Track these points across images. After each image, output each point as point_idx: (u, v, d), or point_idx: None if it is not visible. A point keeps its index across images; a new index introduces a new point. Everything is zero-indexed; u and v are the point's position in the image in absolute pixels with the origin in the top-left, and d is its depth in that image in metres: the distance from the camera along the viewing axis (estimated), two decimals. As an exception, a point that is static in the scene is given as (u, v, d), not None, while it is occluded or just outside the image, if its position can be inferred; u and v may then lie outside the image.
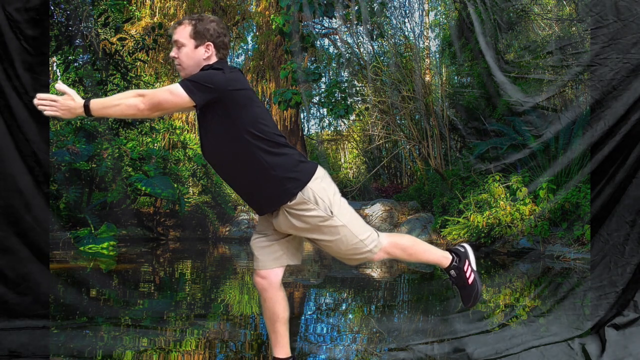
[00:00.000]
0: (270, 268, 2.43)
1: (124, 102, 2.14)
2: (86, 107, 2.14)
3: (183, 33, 2.32)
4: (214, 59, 2.35)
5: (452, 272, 2.53)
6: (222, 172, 2.37)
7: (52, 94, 2.20)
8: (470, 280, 2.52)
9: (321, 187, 2.30)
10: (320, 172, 2.34)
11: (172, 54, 2.35)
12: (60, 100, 2.14)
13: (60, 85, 2.19)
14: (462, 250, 2.57)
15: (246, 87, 2.27)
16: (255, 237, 2.48)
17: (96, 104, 2.15)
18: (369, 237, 2.37)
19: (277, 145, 2.26)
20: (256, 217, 7.90)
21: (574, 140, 7.16)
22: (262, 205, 2.37)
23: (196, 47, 2.32)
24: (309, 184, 2.28)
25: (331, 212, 2.28)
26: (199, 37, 2.31)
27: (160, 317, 3.84)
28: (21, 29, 3.11)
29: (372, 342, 3.29)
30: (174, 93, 2.15)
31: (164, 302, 4.42)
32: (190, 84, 2.16)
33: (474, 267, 2.55)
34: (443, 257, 2.53)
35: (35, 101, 2.16)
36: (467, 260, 2.54)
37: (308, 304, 4.52)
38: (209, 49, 2.33)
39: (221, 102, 2.19)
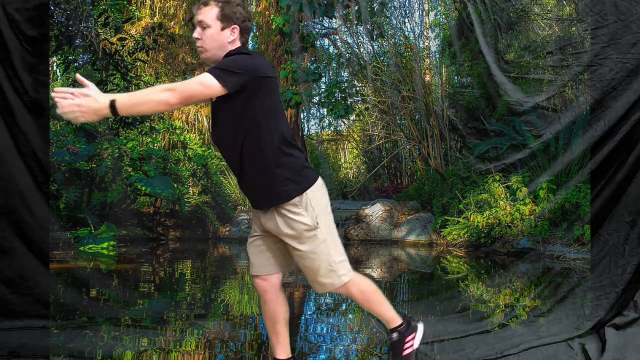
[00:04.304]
0: (266, 274, 2.43)
1: (154, 99, 2.03)
2: (112, 107, 1.99)
3: (209, 14, 2.25)
4: (237, 44, 2.31)
5: (395, 335, 2.50)
6: (229, 158, 2.33)
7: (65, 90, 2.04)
8: (404, 353, 2.49)
9: (316, 196, 2.29)
10: (320, 182, 2.34)
11: (195, 34, 2.27)
12: (83, 104, 1.96)
13: (79, 77, 2.06)
14: (415, 325, 2.54)
15: (273, 75, 2.24)
16: (251, 241, 2.47)
17: (124, 103, 2.00)
18: (342, 262, 2.34)
19: (287, 144, 2.25)
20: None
21: (574, 140, 7.16)
22: (258, 199, 2.35)
23: (222, 29, 2.26)
24: (308, 191, 2.27)
25: (317, 223, 2.26)
26: (226, 19, 2.26)
27: (160, 317, 3.84)
28: (21, 29, 3.11)
29: (372, 342, 3.29)
30: (205, 84, 2.08)
31: (164, 302, 4.42)
32: (221, 72, 2.10)
33: (415, 347, 2.51)
34: (394, 317, 2.50)
35: (53, 94, 1.99)
36: (413, 335, 2.52)
37: (308, 304, 4.52)
38: (234, 32, 2.28)
39: (247, 87, 2.14)
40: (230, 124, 2.22)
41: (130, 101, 2.01)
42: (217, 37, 2.26)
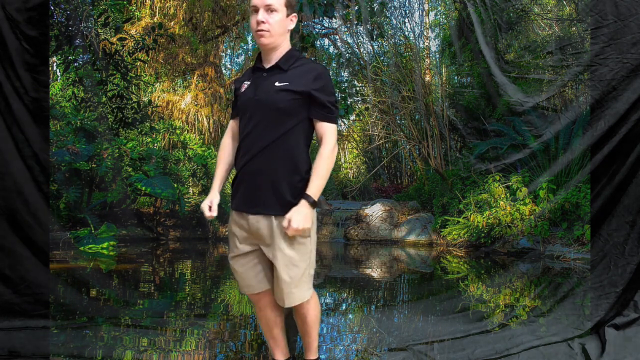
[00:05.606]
0: (257, 292, 2.39)
1: (331, 164, 2.23)
2: (313, 204, 2.19)
3: None
4: (288, 34, 2.31)
5: None
6: (251, 145, 2.26)
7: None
8: None
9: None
10: None
11: (260, 17, 2.17)
12: (294, 224, 2.14)
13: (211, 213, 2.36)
14: None
15: None
16: (237, 260, 2.39)
17: (317, 192, 2.20)
18: (312, 277, 2.35)
19: (309, 161, 2.30)
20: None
21: (574, 140, 7.16)
22: (262, 201, 2.25)
23: (287, 16, 2.24)
24: None
25: (309, 233, 2.27)
26: (290, 7, 2.24)
27: (160, 317, 3.84)
28: (21, 29, 3.11)
29: (372, 342, 3.29)
30: (336, 127, 2.27)
31: (164, 302, 4.42)
32: (334, 112, 2.23)
33: None
34: (315, 351, 2.52)
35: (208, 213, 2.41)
36: None
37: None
38: (293, 21, 2.28)
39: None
40: (275, 127, 2.20)
41: (319, 185, 2.21)
42: (283, 23, 2.23)
